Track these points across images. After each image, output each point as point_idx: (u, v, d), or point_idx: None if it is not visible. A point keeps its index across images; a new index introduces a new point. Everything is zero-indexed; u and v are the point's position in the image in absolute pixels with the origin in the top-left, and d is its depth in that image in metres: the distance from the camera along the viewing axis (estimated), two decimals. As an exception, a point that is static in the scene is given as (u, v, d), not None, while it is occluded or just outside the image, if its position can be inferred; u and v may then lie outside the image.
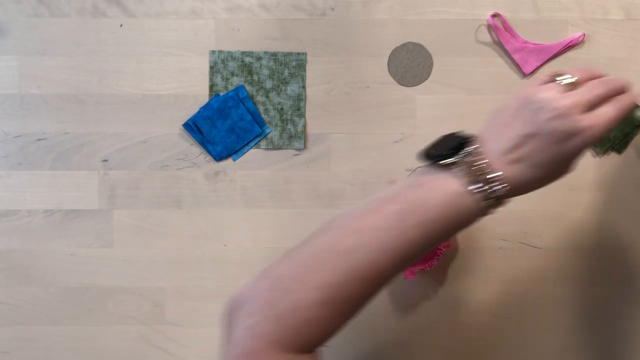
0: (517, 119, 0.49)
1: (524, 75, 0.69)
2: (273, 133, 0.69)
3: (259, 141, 0.69)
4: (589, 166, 0.69)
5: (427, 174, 0.50)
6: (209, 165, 0.69)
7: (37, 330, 0.69)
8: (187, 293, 0.69)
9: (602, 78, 0.51)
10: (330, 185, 0.69)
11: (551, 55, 0.68)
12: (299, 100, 0.69)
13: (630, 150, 0.69)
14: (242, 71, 0.69)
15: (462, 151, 0.49)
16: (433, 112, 0.69)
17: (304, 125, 0.69)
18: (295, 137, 0.69)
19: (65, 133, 0.69)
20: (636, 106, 0.68)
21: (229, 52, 0.69)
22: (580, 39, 0.68)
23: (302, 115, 0.69)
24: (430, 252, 0.67)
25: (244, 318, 0.47)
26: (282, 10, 0.69)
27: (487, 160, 0.48)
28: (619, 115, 0.50)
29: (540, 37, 0.69)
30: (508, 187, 0.48)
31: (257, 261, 0.69)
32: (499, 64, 0.69)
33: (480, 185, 0.48)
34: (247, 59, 0.69)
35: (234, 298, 0.49)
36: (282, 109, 0.69)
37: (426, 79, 0.69)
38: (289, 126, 0.69)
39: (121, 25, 0.69)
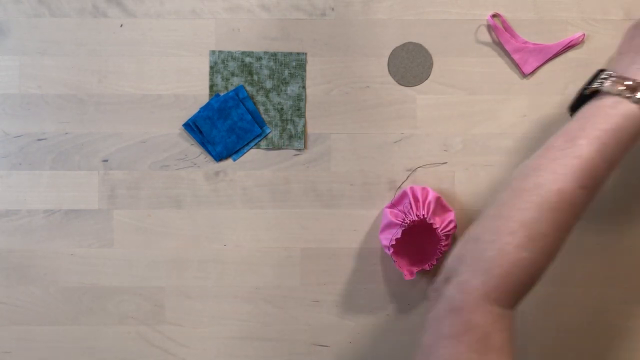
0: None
1: (524, 75, 0.69)
2: (273, 133, 0.69)
3: (259, 141, 0.69)
4: (589, 166, 0.69)
5: (580, 111, 0.54)
6: (209, 165, 0.69)
7: (37, 330, 0.69)
8: (187, 293, 0.69)
9: None
10: (330, 185, 0.69)
11: (551, 55, 0.68)
12: (299, 100, 0.69)
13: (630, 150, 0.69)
14: (242, 71, 0.69)
15: (601, 76, 0.54)
16: (433, 112, 0.69)
17: (304, 125, 0.69)
18: (295, 137, 0.69)
19: (65, 133, 0.69)
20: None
21: (229, 52, 0.69)
22: (580, 39, 0.68)
23: (302, 115, 0.69)
24: (430, 252, 0.67)
25: (455, 277, 0.49)
26: (282, 10, 0.69)
27: (620, 74, 0.53)
28: None
29: (540, 37, 0.69)
30: None
31: (257, 261, 0.69)
32: (499, 64, 0.69)
33: (631, 90, 0.52)
34: (247, 59, 0.69)
35: (443, 271, 0.51)
36: (282, 109, 0.69)
37: (426, 79, 0.69)
38: (289, 126, 0.69)
39: (121, 26, 0.69)
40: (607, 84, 0.53)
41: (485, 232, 0.50)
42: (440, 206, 0.66)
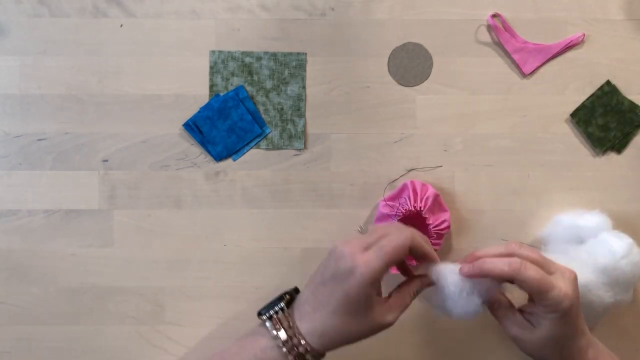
0: (318, 271, 0.54)
1: (524, 75, 0.69)
2: (273, 133, 0.69)
3: (259, 141, 0.69)
4: (589, 166, 0.69)
5: (253, 329, 0.55)
6: (209, 165, 0.69)
7: (37, 330, 0.69)
8: (187, 293, 0.69)
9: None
10: (330, 185, 0.69)
11: (551, 55, 0.68)
12: (299, 100, 0.69)
13: (630, 150, 0.69)
14: (242, 71, 0.69)
15: (275, 308, 0.54)
16: (433, 112, 0.69)
17: (304, 125, 0.69)
18: (295, 137, 0.69)
19: (65, 133, 0.69)
20: (636, 106, 0.69)
21: (229, 52, 0.69)
22: (580, 39, 0.68)
23: (302, 115, 0.69)
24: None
25: None
26: (282, 10, 0.69)
27: (288, 317, 0.53)
28: (396, 250, 0.52)
29: (540, 37, 0.69)
30: (306, 343, 0.52)
31: (257, 261, 0.69)
32: (499, 64, 0.69)
33: (285, 340, 0.52)
34: (247, 59, 0.69)
35: None
36: (282, 109, 0.69)
37: (426, 79, 0.69)
38: (289, 126, 0.69)
39: (121, 26, 0.69)
40: (273, 321, 0.53)
41: None
42: (438, 204, 0.66)
